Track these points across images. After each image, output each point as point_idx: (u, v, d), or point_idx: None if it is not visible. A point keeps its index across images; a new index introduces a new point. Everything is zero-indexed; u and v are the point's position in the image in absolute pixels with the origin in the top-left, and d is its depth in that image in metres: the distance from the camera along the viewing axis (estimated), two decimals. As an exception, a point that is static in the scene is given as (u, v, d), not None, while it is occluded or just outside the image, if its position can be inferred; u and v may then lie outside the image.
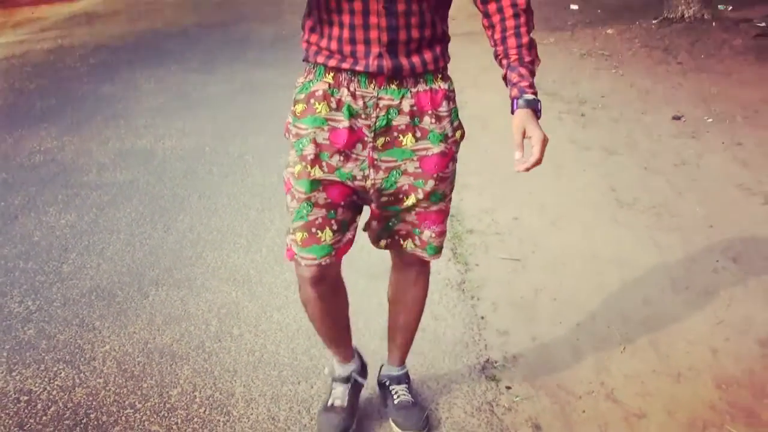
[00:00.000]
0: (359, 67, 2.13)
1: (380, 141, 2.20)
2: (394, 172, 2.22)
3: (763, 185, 4.73)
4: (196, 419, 2.66)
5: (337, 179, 2.20)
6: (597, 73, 7.45)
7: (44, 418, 2.66)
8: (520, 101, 2.10)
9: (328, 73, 2.19)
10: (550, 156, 4.81)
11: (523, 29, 2.14)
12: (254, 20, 10.38)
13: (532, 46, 2.15)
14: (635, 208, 4.43)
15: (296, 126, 2.23)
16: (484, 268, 3.78)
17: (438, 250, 2.40)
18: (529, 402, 2.80)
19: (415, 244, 2.38)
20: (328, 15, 2.15)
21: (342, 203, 2.23)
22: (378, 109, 2.18)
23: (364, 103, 2.17)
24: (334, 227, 2.24)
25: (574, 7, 10.80)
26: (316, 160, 2.19)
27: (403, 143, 2.21)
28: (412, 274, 2.53)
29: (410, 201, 2.27)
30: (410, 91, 2.19)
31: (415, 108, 2.19)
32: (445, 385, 2.87)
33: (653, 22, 9.22)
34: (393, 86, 2.17)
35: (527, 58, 2.15)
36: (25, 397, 2.77)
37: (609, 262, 3.82)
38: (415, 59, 2.16)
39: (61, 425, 2.63)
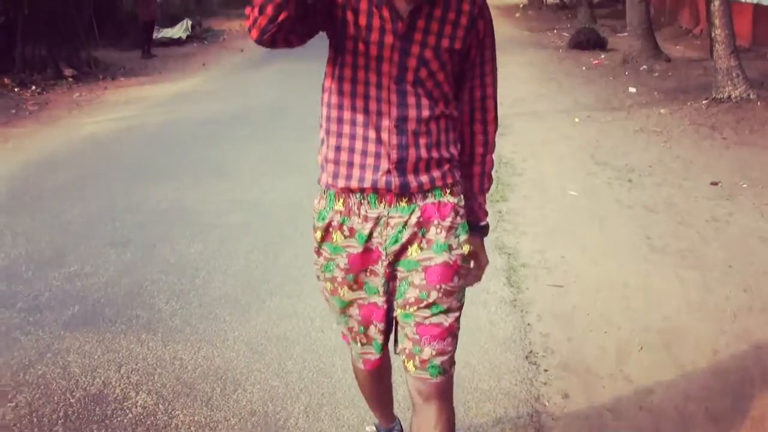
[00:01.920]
0: (367, 184, 2.24)
1: (392, 255, 2.29)
2: (404, 282, 2.30)
3: (784, 237, 5.46)
4: (306, 380, 3.56)
5: (367, 295, 2.35)
6: (647, 147, 8.25)
7: (193, 375, 3.59)
8: (478, 229, 2.43)
9: (339, 199, 2.30)
10: (595, 211, 5.79)
11: (489, 142, 2.43)
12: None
13: (491, 167, 2.45)
14: (665, 252, 5.21)
15: (322, 249, 2.38)
16: (533, 291, 4.61)
17: (442, 371, 2.28)
18: (561, 380, 3.61)
19: (415, 366, 2.28)
20: (339, 127, 2.28)
21: (376, 319, 2.36)
22: (389, 228, 2.27)
23: (376, 223, 2.28)
24: (378, 334, 2.40)
25: (632, 89, 11.65)
26: (344, 281, 2.35)
27: (410, 254, 2.28)
28: (432, 413, 2.32)
29: (411, 310, 2.28)
30: (418, 206, 2.28)
31: (421, 219, 2.27)
32: (496, 366, 3.70)
33: (703, 102, 10.02)
34: (402, 203, 2.27)
35: (486, 185, 2.44)
36: (178, 362, 3.72)
37: (637, 290, 4.61)
38: (424, 177, 2.26)
39: (206, 380, 3.55)
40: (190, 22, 21.09)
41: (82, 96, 12.39)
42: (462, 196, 2.37)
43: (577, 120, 9.52)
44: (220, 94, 12.12)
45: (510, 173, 7.14)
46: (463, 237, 2.32)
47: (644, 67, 13.65)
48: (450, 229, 2.29)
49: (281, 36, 2.03)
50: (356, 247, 2.30)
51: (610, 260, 5.08)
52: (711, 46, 10.40)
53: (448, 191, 2.31)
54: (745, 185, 6.72)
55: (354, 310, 2.38)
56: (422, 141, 2.24)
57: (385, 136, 2.22)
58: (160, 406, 3.36)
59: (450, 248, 2.28)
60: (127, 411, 3.32)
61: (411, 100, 2.23)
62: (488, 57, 2.34)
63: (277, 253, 5.15)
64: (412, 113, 2.22)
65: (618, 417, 3.34)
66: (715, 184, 6.79)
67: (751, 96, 9.69)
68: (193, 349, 3.85)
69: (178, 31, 20.40)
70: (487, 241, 4.74)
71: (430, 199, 2.28)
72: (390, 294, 2.33)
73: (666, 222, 5.83)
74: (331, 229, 2.32)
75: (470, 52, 2.30)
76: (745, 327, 4.12)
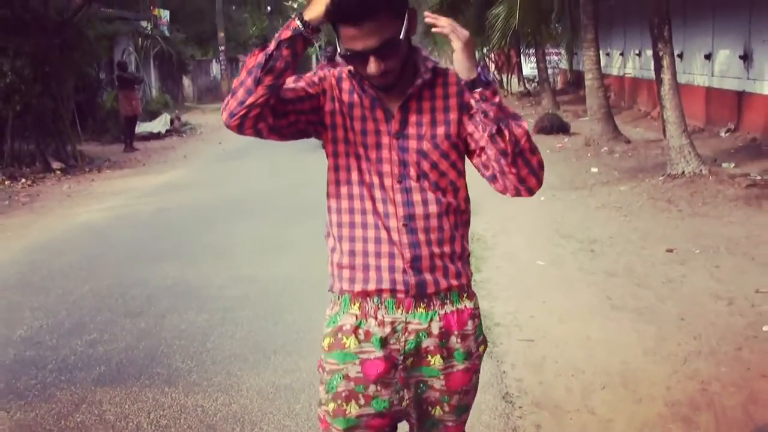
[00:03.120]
0: (385, 285, 2.26)
1: (409, 361, 2.29)
2: (421, 385, 2.33)
3: (731, 293, 6.05)
4: (313, 419, 4.08)
5: (374, 411, 2.30)
6: (608, 221, 8.91)
7: (214, 419, 4.12)
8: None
9: (354, 303, 2.30)
10: (560, 277, 6.40)
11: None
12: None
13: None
14: (623, 309, 5.80)
15: (328, 362, 2.32)
16: (506, 345, 5.17)
17: None
18: (534, 415, 4.16)
19: None
20: (350, 232, 2.31)
21: (382, 426, 2.35)
22: (407, 334, 2.27)
23: (393, 328, 2.27)
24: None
25: (594, 170, 12.40)
26: (351, 395, 2.28)
27: (432, 363, 2.30)
28: None
29: (437, 412, 2.37)
30: (438, 314, 2.29)
31: (443, 330, 2.29)
32: (477, 404, 4.19)
33: (660, 179, 10.77)
34: (420, 309, 2.28)
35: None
36: (200, 409, 4.26)
37: (598, 342, 5.19)
38: (439, 274, 2.29)
39: (227, 422, 4.07)
40: (168, 117, 21.83)
41: (71, 188, 12.95)
42: (477, 297, 2.42)
43: (543, 199, 10.17)
44: (205, 184, 12.72)
45: (482, 247, 7.74)
46: (480, 338, 2.39)
47: (605, 148, 14.46)
48: (470, 336, 2.34)
49: (249, 123, 2.15)
50: (373, 352, 2.27)
51: (574, 318, 5.66)
52: (663, 126, 11.19)
53: (465, 294, 2.36)
54: (698, 251, 7.36)
55: (360, 430, 2.33)
56: (433, 237, 2.27)
57: (395, 235, 2.25)
58: (188, 443, 3.87)
59: (470, 355, 2.34)
60: (160, 448, 3.83)
61: (416, 197, 2.26)
62: None
63: (276, 319, 5.68)
64: (418, 210, 2.26)
65: (584, 441, 3.89)
66: (670, 251, 7.42)
67: (703, 171, 10.45)
68: (212, 398, 4.38)
69: (158, 125, 21.10)
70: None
71: (448, 307, 2.30)
72: (401, 402, 2.34)
73: (625, 285, 6.43)
74: (341, 335, 2.29)
75: (472, 133, 2.28)
76: (695, 368, 4.69)
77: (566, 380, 4.59)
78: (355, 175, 2.29)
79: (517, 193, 2.23)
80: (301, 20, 2.11)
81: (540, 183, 2.24)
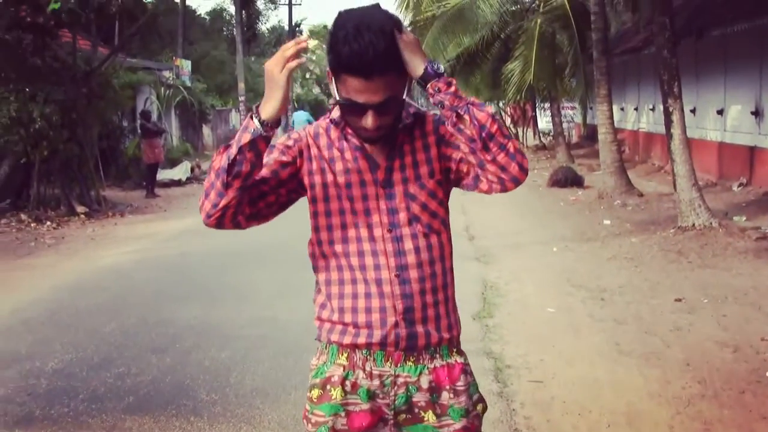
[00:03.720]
0: (375, 339, 2.22)
1: (401, 417, 2.27)
2: None
3: (736, 341, 6.24)
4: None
5: None
6: (619, 271, 9.13)
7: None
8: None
9: (342, 354, 2.26)
10: (570, 324, 6.62)
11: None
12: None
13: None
14: (631, 355, 6.00)
15: (314, 414, 2.27)
16: (516, 386, 5.38)
17: None
18: (542, 449, 4.37)
19: None
20: (340, 288, 2.27)
21: None
22: (396, 387, 2.24)
23: (381, 381, 2.24)
24: None
25: (606, 222, 12.63)
26: None
27: (426, 419, 2.26)
28: None
29: None
30: (427, 368, 2.26)
31: (433, 384, 2.25)
32: (487, 439, 4.45)
33: (671, 231, 11.00)
34: (410, 363, 2.25)
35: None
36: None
37: (605, 384, 5.39)
38: (431, 326, 2.26)
39: None
40: (189, 165, 22.29)
41: (95, 231, 13.28)
42: (466, 355, 2.40)
43: (555, 249, 10.42)
44: (225, 231, 13.03)
45: (495, 295, 7.97)
46: (476, 396, 2.36)
47: (618, 201, 14.71)
48: (463, 392, 2.29)
49: (227, 220, 2.16)
50: (359, 404, 2.24)
51: (583, 362, 5.86)
52: (674, 180, 11.44)
53: (455, 349, 2.34)
54: (705, 300, 7.56)
55: None
56: (427, 285, 2.26)
57: (387, 288, 2.22)
58: (214, 469, 4.10)
59: (467, 412, 2.29)
60: (187, 473, 4.06)
61: (407, 244, 2.25)
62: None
63: (296, 358, 5.90)
64: (411, 259, 2.24)
65: (588, 475, 4.09)
66: (679, 300, 7.62)
67: (713, 224, 10.67)
68: (235, 428, 4.62)
69: (179, 172, 21.54)
70: (476, 347, 5.66)
71: (438, 361, 2.28)
72: None
73: (633, 332, 6.63)
74: (329, 386, 2.25)
75: (450, 154, 2.28)
76: (698, 410, 4.89)
77: (573, 419, 4.80)
78: (338, 233, 2.27)
79: (502, 185, 2.17)
80: (259, 119, 2.11)
81: (523, 170, 2.16)
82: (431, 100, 2.14)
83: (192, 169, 22.15)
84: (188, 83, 29.12)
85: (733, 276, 8.57)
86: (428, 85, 2.13)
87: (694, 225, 10.80)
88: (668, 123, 11.31)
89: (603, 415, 4.84)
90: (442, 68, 2.15)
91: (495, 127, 2.11)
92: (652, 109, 21.47)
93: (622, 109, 25.06)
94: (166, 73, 27.47)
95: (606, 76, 15.67)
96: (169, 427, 4.65)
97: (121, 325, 6.94)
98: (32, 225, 13.60)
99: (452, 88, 2.13)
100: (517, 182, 2.17)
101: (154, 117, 20.99)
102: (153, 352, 6.12)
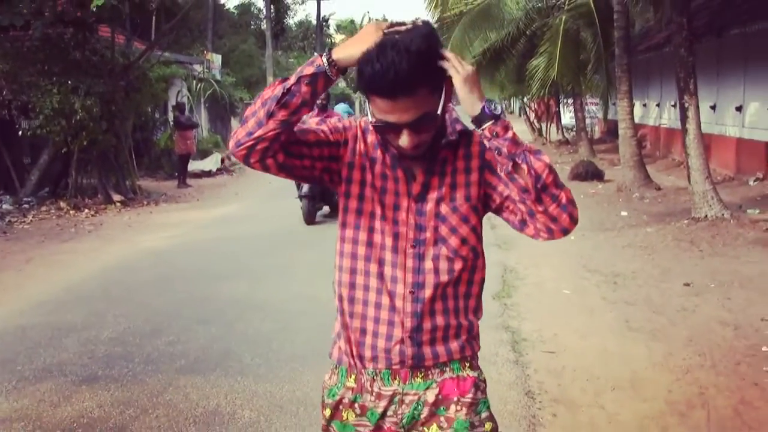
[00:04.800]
0: (379, 353, 2.19)
1: None
2: None
3: (738, 321, 6.70)
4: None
5: None
6: (633, 258, 9.59)
7: (282, 400, 4.90)
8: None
9: (350, 376, 2.25)
10: (584, 304, 7.12)
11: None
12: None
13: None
14: (639, 331, 6.49)
15: (331, 427, 2.30)
16: (531, 355, 5.89)
17: None
18: (551, 407, 4.88)
19: None
20: (350, 292, 2.24)
21: None
22: (404, 406, 2.20)
23: (390, 400, 2.21)
24: None
25: (624, 213, 13.07)
26: None
27: None
28: None
29: None
30: (435, 381, 2.20)
31: (440, 397, 2.19)
32: (503, 397, 4.97)
33: (684, 222, 11.44)
34: (418, 379, 2.20)
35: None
36: (269, 393, 5.04)
37: (613, 355, 5.89)
38: (439, 348, 2.19)
39: (292, 402, 4.85)
40: (219, 156, 22.90)
41: (131, 218, 13.89)
42: (482, 372, 2.31)
43: (572, 238, 10.85)
44: (259, 217, 13.58)
45: (514, 278, 8.46)
46: (485, 414, 2.26)
47: (636, 194, 15.13)
48: (471, 405, 2.21)
49: (256, 155, 2.05)
50: (367, 426, 2.24)
51: (593, 336, 6.36)
52: (688, 173, 11.88)
53: (467, 365, 2.26)
54: (713, 285, 8.01)
55: None
56: (438, 307, 2.18)
57: (399, 303, 2.16)
58: (261, 419, 4.67)
59: (472, 426, 2.21)
60: (238, 420, 4.66)
61: (428, 264, 2.18)
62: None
63: (332, 328, 6.45)
64: (429, 279, 2.17)
65: (593, 427, 4.60)
66: (687, 285, 8.08)
67: (725, 215, 11.12)
68: (278, 387, 5.18)
69: (209, 163, 22.16)
70: (495, 323, 6.13)
71: (448, 374, 2.21)
72: None
73: (642, 312, 7.11)
74: (341, 407, 2.26)
75: (496, 186, 2.20)
76: (696, 377, 5.38)
77: (581, 383, 5.30)
78: (363, 235, 2.22)
79: (550, 234, 2.10)
80: (328, 59, 2.03)
81: (573, 221, 2.10)
82: (486, 143, 2.08)
83: (222, 161, 22.76)
84: (218, 77, 29.75)
85: (741, 264, 9.01)
86: (484, 128, 2.05)
87: (706, 216, 11.24)
88: (683, 118, 11.75)
89: (609, 380, 5.33)
90: (499, 109, 2.06)
91: (551, 178, 2.03)
92: (674, 106, 21.75)
93: (644, 105, 25.39)
94: (197, 67, 28.12)
95: (627, 73, 16.07)
96: (219, 385, 5.22)
97: (168, 300, 7.54)
98: (71, 212, 14.24)
99: (510, 133, 2.04)
100: (566, 233, 2.11)
101: (186, 110, 21.59)
102: (199, 323, 6.69)
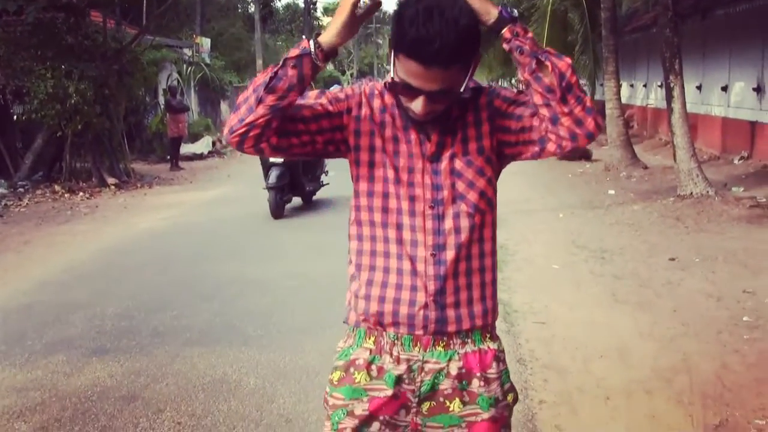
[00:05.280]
0: (402, 319, 2.11)
1: (425, 406, 2.14)
2: None
3: (721, 293, 6.93)
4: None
5: None
6: (620, 235, 9.84)
7: (285, 369, 5.13)
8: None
9: (369, 338, 2.16)
10: (572, 278, 7.38)
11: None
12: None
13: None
14: (625, 303, 6.73)
15: (333, 396, 2.18)
16: (522, 326, 6.13)
17: None
18: (542, 373, 5.12)
19: None
20: (370, 260, 2.17)
21: None
22: (423, 374, 2.12)
23: (409, 366, 2.12)
24: None
25: (611, 192, 13.32)
26: None
27: (451, 409, 2.14)
28: None
29: None
30: (458, 353, 2.13)
31: (463, 371, 2.13)
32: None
33: (671, 199, 11.70)
34: (439, 348, 2.13)
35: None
36: (272, 363, 5.27)
37: (601, 325, 6.13)
38: (463, 311, 2.13)
39: (295, 371, 5.08)
40: (210, 139, 23.04)
41: (126, 201, 14.06)
42: (500, 341, 2.26)
43: (561, 216, 11.13)
44: (252, 199, 13.66)
45: (505, 253, 8.66)
46: (507, 385, 2.22)
47: (623, 173, 15.40)
48: (494, 380, 2.17)
49: (249, 141, 2.04)
50: (384, 390, 2.13)
51: (582, 308, 6.61)
52: (674, 151, 12.13)
53: (488, 335, 2.21)
54: (698, 260, 8.26)
55: None
56: (462, 268, 2.13)
57: (421, 266, 2.11)
58: (267, 385, 4.90)
59: (497, 402, 2.17)
60: (244, 387, 4.88)
61: (448, 223, 2.12)
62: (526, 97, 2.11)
63: (329, 305, 6.62)
64: (450, 240, 2.12)
65: (582, 392, 4.84)
66: (673, 259, 8.33)
67: (710, 192, 11.39)
68: (281, 356, 5.40)
69: (201, 146, 22.29)
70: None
71: (469, 347, 2.15)
72: None
73: (629, 285, 7.36)
74: (353, 369, 2.16)
75: (508, 126, 2.14)
76: (679, 345, 5.63)
77: (571, 351, 5.54)
78: (378, 201, 2.16)
79: (575, 141, 2.01)
80: (315, 42, 2.03)
81: (598, 126, 2.02)
82: (506, 46, 2.02)
83: (213, 144, 22.91)
84: (207, 60, 29.82)
85: (725, 239, 9.27)
86: (505, 29, 2.00)
87: (692, 194, 11.51)
88: (669, 98, 12.01)
89: (597, 348, 5.58)
90: (515, 12, 2.03)
91: (575, 78, 2.00)
92: (660, 86, 21.97)
93: (631, 85, 25.67)
94: (187, 51, 28.20)
95: (614, 54, 16.31)
96: (225, 355, 5.45)
97: (169, 278, 7.76)
98: (66, 195, 14.38)
99: (530, 33, 2.01)
100: (591, 138, 2.03)
101: (178, 93, 21.70)
102: (202, 299, 6.92)
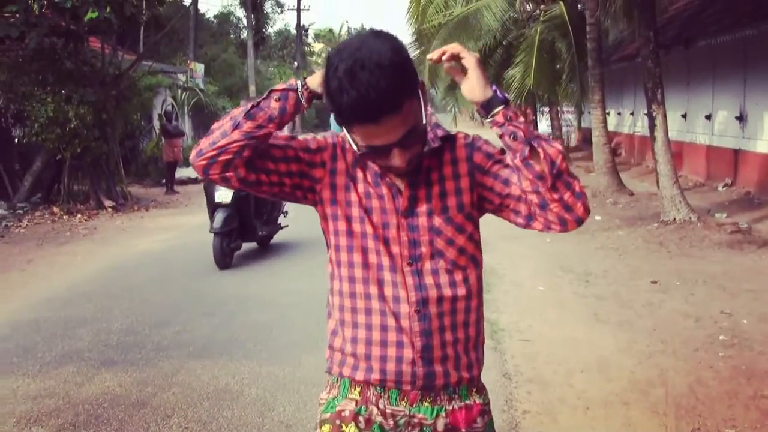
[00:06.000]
0: (389, 376, 2.08)
1: None
2: None
3: (699, 314, 7.26)
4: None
5: None
6: (604, 259, 10.18)
7: (284, 380, 5.44)
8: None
9: (354, 389, 2.12)
10: (557, 299, 7.76)
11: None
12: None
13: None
14: (607, 323, 7.06)
15: None
16: (508, 343, 6.45)
17: None
18: (526, 386, 5.44)
19: None
20: (353, 317, 2.12)
21: None
22: (410, 427, 2.12)
23: (395, 421, 2.11)
24: None
25: (597, 218, 13.62)
26: None
27: None
28: None
29: None
30: (445, 409, 2.12)
31: (449, 426, 2.12)
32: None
33: (654, 225, 12.07)
34: (426, 404, 2.11)
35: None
36: (272, 375, 5.57)
37: (582, 342, 6.45)
38: (450, 365, 2.11)
39: (293, 383, 5.39)
40: (205, 163, 23.29)
41: (124, 223, 14.36)
42: (486, 392, 2.26)
43: (548, 240, 11.45)
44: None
45: (492, 275, 8.99)
46: None
47: (610, 200, 15.75)
48: None
49: (216, 167, 1.99)
50: None
51: (565, 327, 6.93)
52: (657, 179, 12.51)
53: (474, 389, 2.20)
54: (678, 283, 8.60)
55: None
56: (447, 322, 2.10)
57: (405, 323, 2.07)
58: (267, 395, 5.21)
59: None
60: (246, 397, 5.20)
61: (428, 279, 2.09)
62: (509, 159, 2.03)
63: (324, 320, 6.98)
64: (432, 294, 2.08)
65: (563, 403, 5.16)
66: (654, 282, 8.66)
67: (693, 218, 11.76)
68: (280, 369, 5.73)
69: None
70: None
71: (456, 403, 2.14)
72: None
73: (611, 306, 7.68)
74: (339, 422, 2.13)
75: (492, 186, 2.11)
76: (657, 361, 5.96)
77: (553, 367, 5.87)
78: (357, 257, 2.11)
79: (563, 226, 2.03)
80: (302, 81, 2.03)
81: (587, 210, 2.03)
82: (498, 130, 1.97)
83: (207, 168, 23.14)
84: (201, 85, 30.22)
85: (706, 263, 9.62)
86: (496, 112, 1.97)
87: (675, 219, 11.88)
88: (652, 127, 12.43)
89: (578, 364, 5.90)
90: (507, 94, 1.99)
91: (564, 164, 1.97)
92: (647, 114, 22.47)
93: (619, 113, 26.10)
94: (181, 76, 28.59)
95: (600, 83, 16.74)
96: (227, 367, 5.77)
97: (169, 295, 8.09)
98: (65, 217, 14.66)
99: (522, 118, 1.97)
100: (580, 223, 2.04)
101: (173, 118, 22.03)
102: (203, 315, 7.25)
